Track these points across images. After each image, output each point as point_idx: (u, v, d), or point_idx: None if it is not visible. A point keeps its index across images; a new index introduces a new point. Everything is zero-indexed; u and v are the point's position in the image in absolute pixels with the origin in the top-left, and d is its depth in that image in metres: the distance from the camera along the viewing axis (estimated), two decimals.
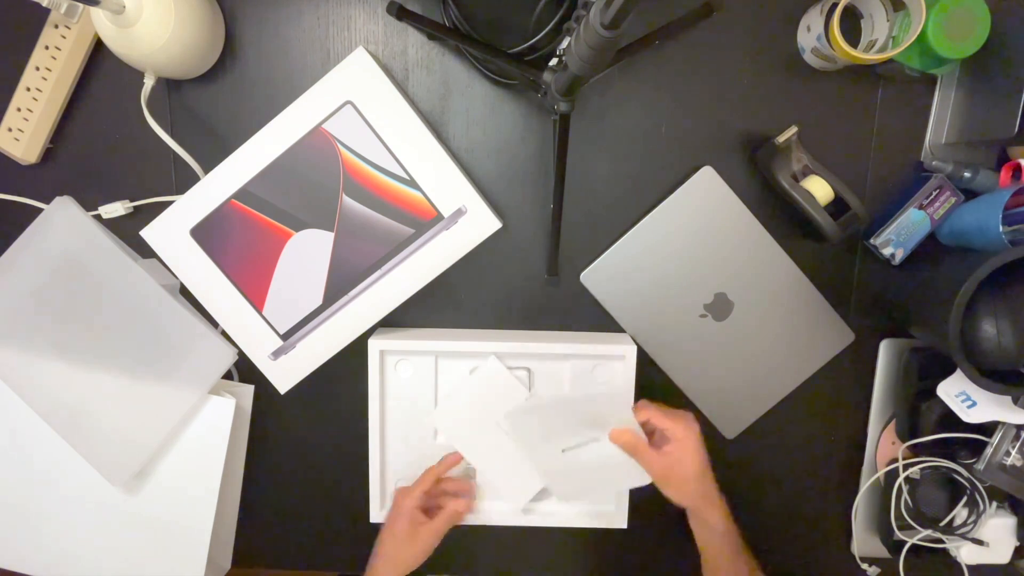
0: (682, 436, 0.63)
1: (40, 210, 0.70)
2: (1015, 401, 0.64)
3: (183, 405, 0.70)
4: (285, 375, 0.71)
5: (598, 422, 0.67)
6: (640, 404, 0.66)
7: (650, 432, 0.66)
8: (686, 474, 0.64)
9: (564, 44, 0.56)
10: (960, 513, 0.73)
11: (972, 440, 0.70)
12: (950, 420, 0.69)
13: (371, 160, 0.66)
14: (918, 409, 0.73)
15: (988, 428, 0.68)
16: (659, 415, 0.65)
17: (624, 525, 0.74)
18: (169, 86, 0.71)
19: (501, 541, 0.81)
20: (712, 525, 0.65)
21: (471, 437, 0.74)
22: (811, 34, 0.67)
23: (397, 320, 0.73)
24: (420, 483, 0.71)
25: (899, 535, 0.75)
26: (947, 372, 0.69)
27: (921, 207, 0.70)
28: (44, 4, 0.61)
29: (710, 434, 0.78)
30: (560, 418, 0.70)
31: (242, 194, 0.67)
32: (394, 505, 0.71)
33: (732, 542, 0.65)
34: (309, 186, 0.67)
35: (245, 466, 0.79)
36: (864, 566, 0.80)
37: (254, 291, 0.69)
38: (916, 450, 0.74)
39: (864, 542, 0.80)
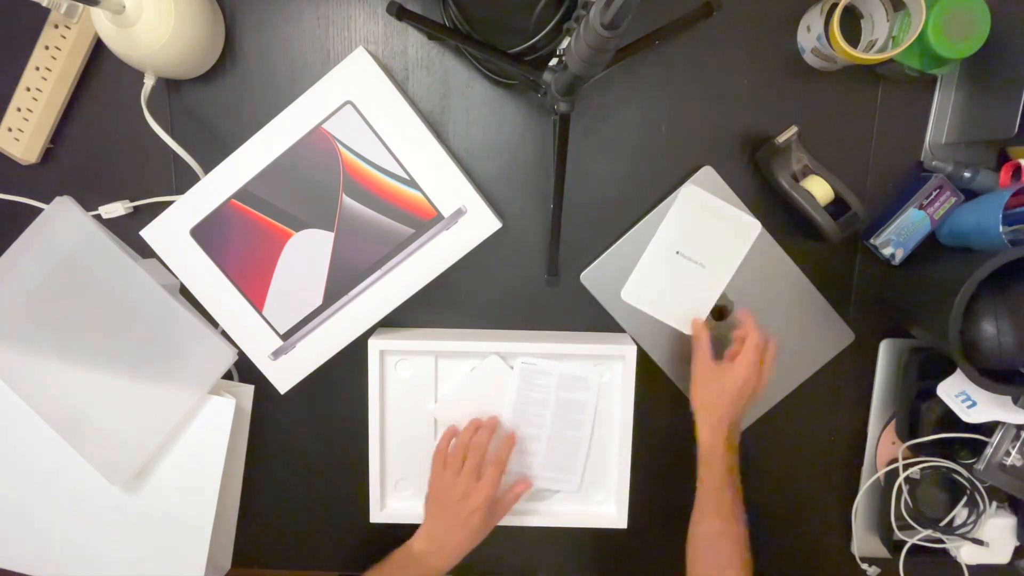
0: (747, 350, 0.67)
1: (40, 210, 0.70)
2: (1015, 401, 0.64)
3: (183, 405, 0.70)
4: (285, 375, 0.71)
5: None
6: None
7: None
8: (724, 387, 0.67)
9: (564, 44, 0.56)
10: (960, 513, 0.74)
11: (972, 440, 0.70)
12: (950, 420, 0.69)
13: (371, 160, 0.66)
14: (918, 409, 0.73)
15: (988, 428, 0.68)
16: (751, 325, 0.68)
17: (624, 525, 0.75)
18: (169, 86, 0.71)
19: (501, 541, 0.80)
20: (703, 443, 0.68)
21: None
22: (811, 34, 0.67)
23: (397, 320, 0.73)
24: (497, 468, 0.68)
25: (899, 535, 0.75)
26: (947, 372, 0.69)
27: (921, 207, 0.70)
28: (44, 4, 0.61)
29: None
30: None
31: (242, 194, 0.67)
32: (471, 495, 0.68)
33: (732, 476, 0.68)
34: (309, 186, 0.67)
35: (245, 466, 0.79)
36: (864, 566, 0.80)
37: (254, 291, 0.69)
38: (916, 450, 0.74)
39: (864, 542, 0.80)
